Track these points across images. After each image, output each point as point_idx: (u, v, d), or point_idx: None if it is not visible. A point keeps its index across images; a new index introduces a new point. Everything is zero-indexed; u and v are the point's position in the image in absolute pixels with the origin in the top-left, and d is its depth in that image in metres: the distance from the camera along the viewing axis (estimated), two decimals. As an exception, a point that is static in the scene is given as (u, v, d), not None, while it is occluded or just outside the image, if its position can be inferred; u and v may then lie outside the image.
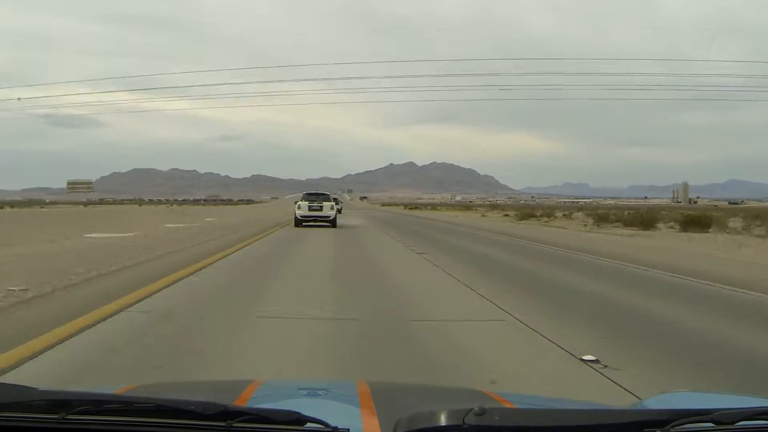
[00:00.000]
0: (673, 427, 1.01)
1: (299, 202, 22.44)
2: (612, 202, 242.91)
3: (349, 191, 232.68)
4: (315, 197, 22.93)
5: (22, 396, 1.05)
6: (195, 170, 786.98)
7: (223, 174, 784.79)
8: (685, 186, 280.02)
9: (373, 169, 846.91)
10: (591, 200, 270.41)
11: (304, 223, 21.58)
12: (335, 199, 25.49)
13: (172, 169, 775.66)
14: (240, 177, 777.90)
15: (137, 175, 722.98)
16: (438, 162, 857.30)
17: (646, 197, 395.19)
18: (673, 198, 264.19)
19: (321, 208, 21.85)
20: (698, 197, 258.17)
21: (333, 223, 21.72)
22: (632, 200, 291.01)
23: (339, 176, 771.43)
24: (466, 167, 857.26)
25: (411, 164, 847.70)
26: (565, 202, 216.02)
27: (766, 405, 1.17)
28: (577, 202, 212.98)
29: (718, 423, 1.04)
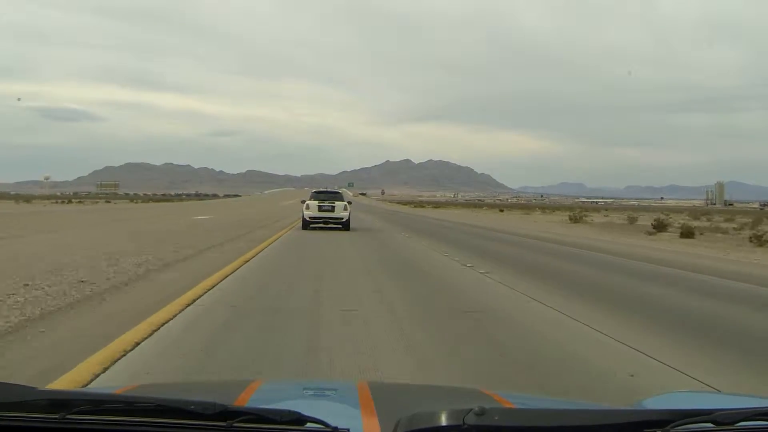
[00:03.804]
0: (673, 427, 1.01)
1: (308, 202, 20.12)
2: (635, 202, 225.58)
3: (350, 185, 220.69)
4: (326, 196, 20.59)
5: (22, 396, 1.04)
6: (189, 165, 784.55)
7: (217, 169, 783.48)
8: (720, 186, 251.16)
9: (369, 166, 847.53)
10: (612, 201, 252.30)
11: (312, 225, 19.48)
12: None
13: (166, 163, 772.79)
14: (234, 172, 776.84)
15: (131, 169, 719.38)
16: (434, 160, 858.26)
17: (662, 198, 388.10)
18: (707, 200, 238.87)
19: (332, 209, 19.66)
20: (711, 200, 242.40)
21: (346, 225, 19.64)
22: (648, 201, 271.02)
23: (335, 173, 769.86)
24: (463, 165, 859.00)
25: (407, 161, 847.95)
26: (583, 202, 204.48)
27: (766, 405, 1.18)
28: (596, 203, 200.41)
29: (719, 423, 1.04)
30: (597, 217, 48.38)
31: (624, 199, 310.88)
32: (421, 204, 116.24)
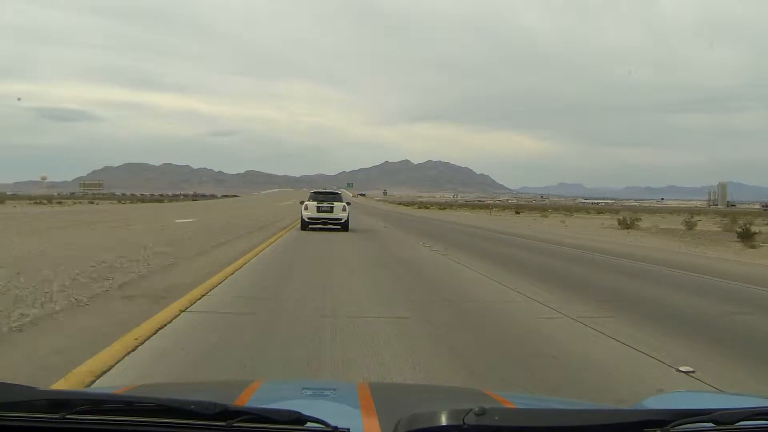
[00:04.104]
0: (673, 427, 1.01)
1: (306, 202, 19.90)
2: (637, 203, 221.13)
3: (349, 185, 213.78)
4: (324, 197, 20.38)
5: (22, 396, 1.04)
6: (188, 165, 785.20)
7: (216, 170, 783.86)
8: (723, 187, 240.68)
9: (368, 166, 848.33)
10: (613, 201, 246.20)
11: (311, 226, 19.22)
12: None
13: (165, 164, 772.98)
14: (234, 173, 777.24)
15: (130, 169, 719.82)
16: (434, 160, 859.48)
17: (662, 198, 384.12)
18: (709, 200, 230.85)
19: (331, 209, 19.47)
20: (715, 200, 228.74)
21: (345, 226, 19.40)
22: (649, 202, 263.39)
23: (334, 173, 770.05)
24: (462, 166, 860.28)
25: (406, 162, 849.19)
26: (583, 203, 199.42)
27: (766, 405, 1.18)
28: (598, 203, 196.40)
29: (718, 423, 1.04)
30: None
31: (625, 200, 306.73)
32: (424, 205, 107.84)
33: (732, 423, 1.04)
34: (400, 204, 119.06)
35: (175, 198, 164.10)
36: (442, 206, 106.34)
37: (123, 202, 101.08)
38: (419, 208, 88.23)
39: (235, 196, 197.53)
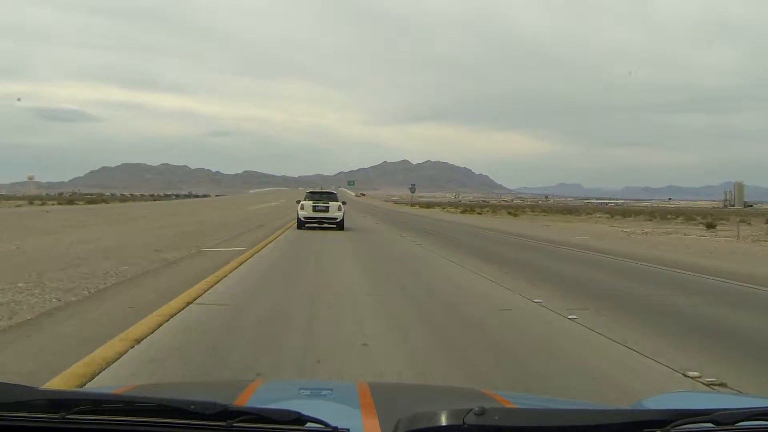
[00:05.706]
0: (673, 427, 1.01)
1: (302, 202, 20.25)
2: (647, 204, 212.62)
3: (350, 183, 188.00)
4: (320, 196, 20.69)
5: (22, 396, 1.04)
6: (186, 165, 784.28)
7: (214, 170, 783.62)
8: (740, 187, 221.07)
9: (366, 166, 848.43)
10: (621, 202, 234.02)
11: (307, 225, 19.48)
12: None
13: (163, 164, 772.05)
14: (231, 173, 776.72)
15: (127, 169, 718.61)
16: (432, 160, 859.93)
17: (669, 198, 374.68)
18: (725, 200, 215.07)
19: (327, 209, 19.76)
20: (729, 201, 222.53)
21: (340, 225, 19.62)
22: (656, 203, 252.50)
23: (332, 173, 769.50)
24: (461, 166, 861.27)
25: (405, 162, 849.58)
26: (590, 203, 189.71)
27: (766, 405, 1.18)
28: (607, 203, 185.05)
29: (718, 423, 1.04)
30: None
31: (633, 201, 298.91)
32: (471, 208, 74.47)
33: (732, 423, 1.04)
34: (414, 205, 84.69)
35: (166, 197, 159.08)
36: (513, 210, 69.83)
37: (37, 202, 64.69)
38: (463, 212, 61.39)
39: (226, 195, 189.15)
